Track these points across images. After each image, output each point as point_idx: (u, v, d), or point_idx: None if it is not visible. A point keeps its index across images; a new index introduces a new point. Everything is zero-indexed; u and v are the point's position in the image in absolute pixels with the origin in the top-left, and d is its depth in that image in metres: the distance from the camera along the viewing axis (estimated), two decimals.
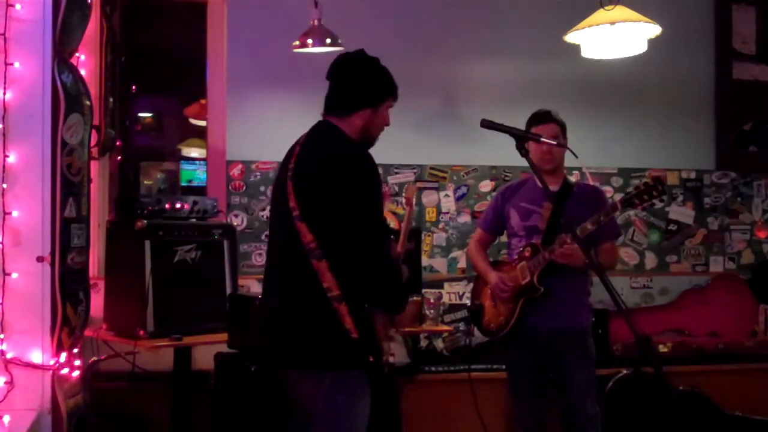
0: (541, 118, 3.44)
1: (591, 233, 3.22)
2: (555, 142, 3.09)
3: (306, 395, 2.53)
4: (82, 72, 2.97)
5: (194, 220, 3.69)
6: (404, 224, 2.98)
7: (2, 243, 2.58)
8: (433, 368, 4.27)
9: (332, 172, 2.41)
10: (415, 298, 3.83)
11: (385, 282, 2.44)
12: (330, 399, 2.46)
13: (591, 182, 4.13)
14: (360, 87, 2.59)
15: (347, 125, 2.56)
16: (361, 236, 2.38)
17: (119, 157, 4.70)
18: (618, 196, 3.44)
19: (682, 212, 5.09)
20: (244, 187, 4.61)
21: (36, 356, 2.61)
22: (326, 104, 2.62)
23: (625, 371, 4.21)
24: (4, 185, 2.58)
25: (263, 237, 4.51)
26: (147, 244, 3.39)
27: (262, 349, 2.74)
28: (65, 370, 2.69)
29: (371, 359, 2.44)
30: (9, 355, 2.59)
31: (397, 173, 4.79)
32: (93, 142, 3.06)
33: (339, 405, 2.46)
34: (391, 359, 2.62)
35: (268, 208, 4.26)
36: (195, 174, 6.61)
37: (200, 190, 5.85)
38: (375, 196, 2.46)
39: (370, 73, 2.62)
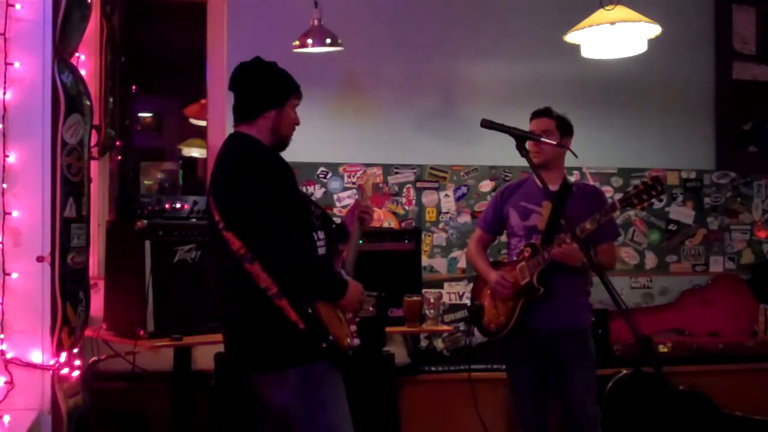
0: (534, 113, 3.47)
1: (590, 233, 3.22)
2: (554, 142, 3.11)
3: (274, 398, 2.57)
4: (82, 72, 2.97)
5: (194, 220, 3.69)
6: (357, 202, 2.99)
7: (2, 243, 2.58)
8: (433, 368, 4.27)
9: (237, 177, 2.51)
10: (415, 298, 3.83)
11: (300, 271, 2.49)
12: (300, 395, 2.50)
13: (591, 182, 4.13)
14: (262, 89, 2.67)
15: (256, 130, 2.64)
16: (267, 233, 2.45)
17: (119, 157, 4.70)
18: (618, 196, 3.44)
19: (682, 212, 5.09)
20: None
21: (36, 356, 2.62)
22: (234, 114, 2.71)
23: (625, 371, 4.21)
24: (4, 185, 2.58)
25: None
26: (147, 244, 3.38)
27: (227, 359, 2.79)
28: (65, 370, 2.69)
29: (324, 346, 2.49)
30: (9, 355, 2.59)
31: (397, 173, 4.79)
32: (93, 142, 3.06)
33: (310, 399, 2.51)
34: (355, 341, 2.64)
35: None
36: None
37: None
38: (279, 191, 2.50)
39: (269, 75, 2.70)
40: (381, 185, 4.73)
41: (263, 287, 2.47)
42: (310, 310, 2.48)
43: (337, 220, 3.03)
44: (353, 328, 2.67)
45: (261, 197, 2.46)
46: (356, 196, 4.68)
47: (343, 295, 2.59)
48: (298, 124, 2.73)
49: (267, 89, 2.67)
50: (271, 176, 2.51)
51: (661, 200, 3.29)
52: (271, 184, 2.49)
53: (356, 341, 2.65)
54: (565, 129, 3.46)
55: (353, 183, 4.72)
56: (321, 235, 2.66)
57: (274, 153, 2.62)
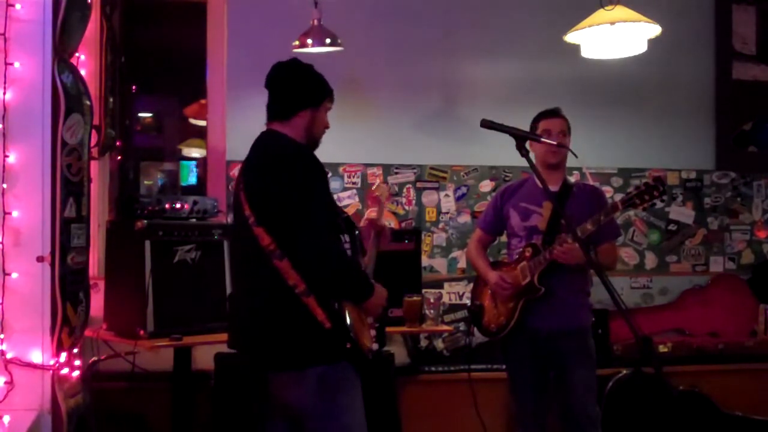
0: (550, 112, 3.48)
1: (591, 233, 3.22)
2: (555, 143, 3.11)
3: (291, 397, 2.55)
4: (82, 72, 2.96)
5: (194, 220, 3.69)
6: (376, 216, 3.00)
7: (2, 243, 2.57)
8: (433, 368, 4.27)
9: (275, 172, 2.52)
10: (415, 298, 3.83)
11: (334, 270, 2.48)
12: (319, 396, 2.49)
13: (591, 182, 4.13)
14: (300, 89, 2.69)
15: (290, 128, 2.66)
16: (304, 228, 2.45)
17: (119, 157, 4.71)
18: (618, 196, 3.45)
19: (682, 212, 5.09)
20: None
21: (36, 356, 2.61)
22: (268, 112, 2.73)
23: (625, 371, 4.21)
24: (4, 185, 2.58)
25: None
26: (147, 244, 3.38)
27: (242, 356, 2.78)
28: (65, 370, 2.69)
29: (348, 346, 2.49)
30: (9, 355, 2.59)
31: (397, 173, 4.79)
32: (93, 142, 3.05)
33: (329, 401, 2.50)
34: (374, 346, 2.66)
35: None
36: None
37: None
38: (316, 190, 2.52)
39: (308, 76, 2.72)
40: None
41: (291, 284, 2.46)
42: (337, 306, 2.47)
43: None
44: (373, 332, 2.68)
45: (300, 194, 2.46)
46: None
47: (369, 297, 2.58)
48: (328, 127, 2.75)
49: (305, 89, 2.69)
50: (310, 175, 2.52)
51: (662, 201, 3.29)
52: (310, 183, 2.51)
53: (375, 345, 2.66)
54: (570, 130, 3.48)
55: (353, 183, 4.72)
56: (347, 237, 2.66)
57: (308, 150, 2.63)
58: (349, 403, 2.54)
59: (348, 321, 2.51)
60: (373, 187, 3.23)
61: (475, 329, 3.67)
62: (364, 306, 2.60)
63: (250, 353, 2.65)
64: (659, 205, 4.95)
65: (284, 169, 2.51)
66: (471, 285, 3.84)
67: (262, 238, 2.49)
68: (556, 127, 3.41)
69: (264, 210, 2.51)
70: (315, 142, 2.72)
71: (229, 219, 3.85)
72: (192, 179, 6.59)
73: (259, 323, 2.56)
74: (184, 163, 6.78)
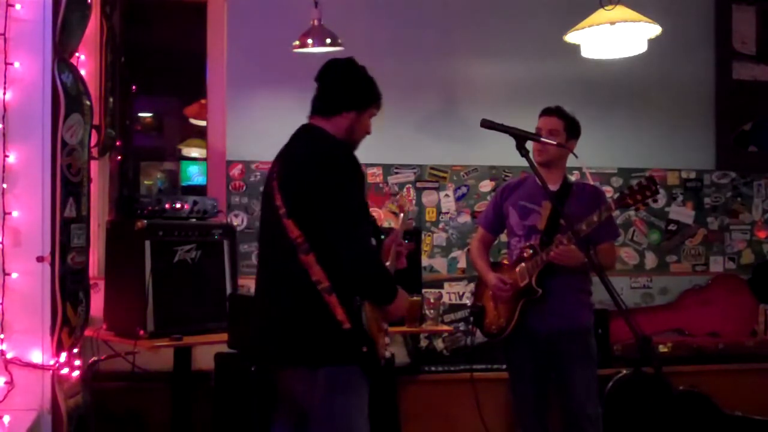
0: (544, 111, 3.48)
1: (589, 234, 3.21)
2: (554, 142, 3.11)
3: (301, 394, 2.54)
4: (82, 72, 2.96)
5: (194, 220, 3.70)
6: (399, 229, 2.99)
7: (2, 243, 2.58)
8: (433, 368, 4.27)
9: (314, 166, 2.49)
10: (415, 298, 3.83)
11: (365, 268, 2.47)
12: (326, 397, 2.47)
13: (591, 182, 4.13)
14: (349, 89, 2.67)
15: (332, 126, 2.64)
16: (341, 224, 2.43)
17: (119, 157, 4.70)
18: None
19: (682, 212, 5.09)
20: (244, 187, 4.61)
21: (36, 356, 2.61)
22: (313, 105, 2.70)
23: (625, 371, 4.21)
24: (4, 185, 2.58)
25: None
26: (147, 244, 3.39)
27: (254, 349, 2.75)
28: (65, 370, 2.69)
29: (365, 350, 2.46)
30: (9, 355, 2.59)
31: (397, 173, 4.79)
32: (93, 142, 3.06)
33: (335, 403, 2.48)
34: (387, 353, 2.63)
35: None
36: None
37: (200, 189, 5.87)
38: (355, 188, 2.51)
39: (359, 78, 2.71)
40: (381, 185, 4.73)
41: (314, 280, 2.43)
42: (359, 305, 2.45)
43: None
44: (387, 339, 2.65)
45: (339, 191, 2.45)
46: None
47: (393, 299, 2.56)
48: (369, 132, 2.73)
49: (354, 90, 2.67)
50: (350, 173, 2.51)
51: (655, 200, 3.29)
52: (349, 181, 2.50)
53: (389, 353, 2.63)
54: (572, 131, 3.46)
55: None
56: (374, 242, 2.64)
57: (349, 148, 2.61)
58: (355, 408, 2.51)
59: (365, 324, 2.47)
60: (397, 197, 3.24)
61: (477, 329, 3.67)
62: (387, 309, 2.57)
63: (265, 344, 2.59)
64: (659, 205, 4.95)
65: (324, 164, 2.49)
66: (471, 285, 3.83)
67: (290, 230, 2.46)
68: (546, 125, 3.41)
69: (297, 202, 2.48)
70: (353, 146, 2.69)
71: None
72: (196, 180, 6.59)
73: (278, 315, 2.53)
74: (185, 162, 6.78)
